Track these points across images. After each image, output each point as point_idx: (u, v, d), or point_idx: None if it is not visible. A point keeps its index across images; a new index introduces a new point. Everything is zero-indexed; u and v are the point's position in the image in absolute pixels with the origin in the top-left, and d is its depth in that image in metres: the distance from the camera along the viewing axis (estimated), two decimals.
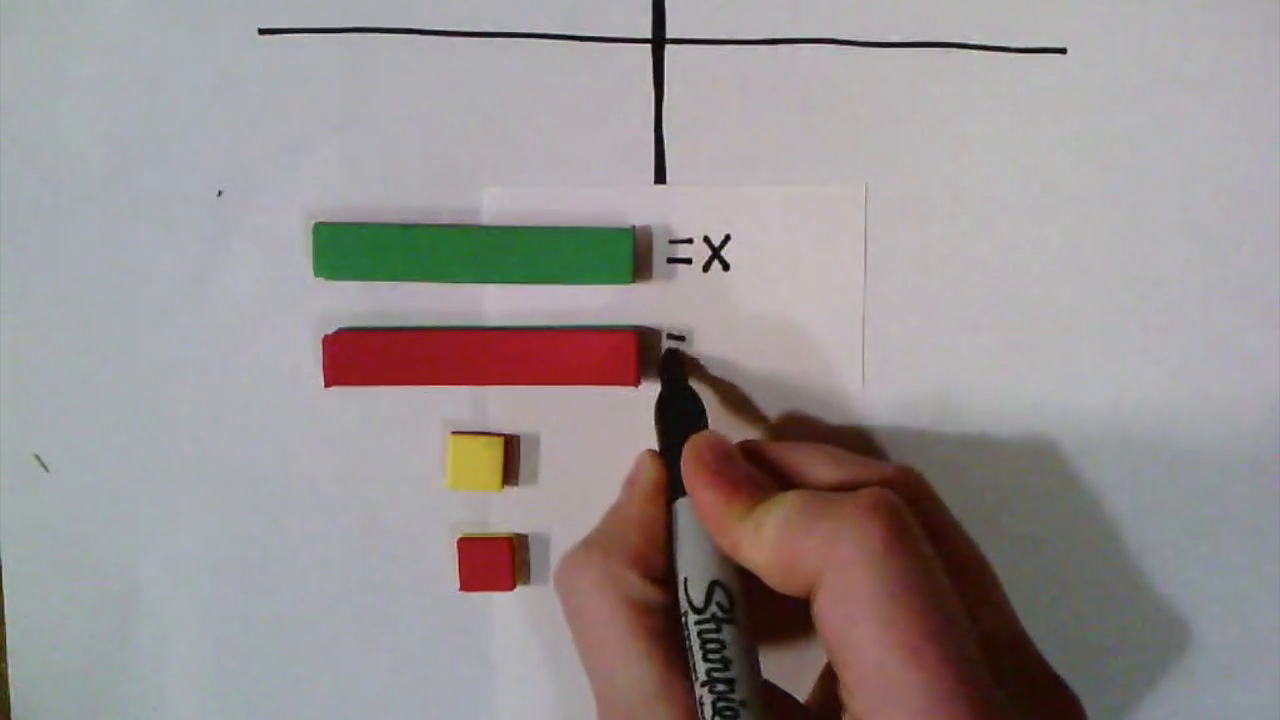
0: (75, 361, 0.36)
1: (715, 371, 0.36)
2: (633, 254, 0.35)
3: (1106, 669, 0.37)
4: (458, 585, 0.37)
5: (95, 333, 0.36)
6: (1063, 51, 0.35)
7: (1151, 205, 0.36)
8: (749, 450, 0.32)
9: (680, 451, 0.31)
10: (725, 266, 0.36)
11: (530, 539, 0.37)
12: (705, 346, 0.36)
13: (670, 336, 0.36)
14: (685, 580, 0.29)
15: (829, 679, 0.32)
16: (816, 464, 0.31)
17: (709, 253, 0.36)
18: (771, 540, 0.28)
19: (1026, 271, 0.36)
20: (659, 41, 0.35)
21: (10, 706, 0.38)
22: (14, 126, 0.36)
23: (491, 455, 0.36)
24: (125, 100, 0.35)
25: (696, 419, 0.33)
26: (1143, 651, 0.37)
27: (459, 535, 0.37)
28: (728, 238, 0.36)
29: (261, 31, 0.35)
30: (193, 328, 0.36)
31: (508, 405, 0.36)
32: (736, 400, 0.36)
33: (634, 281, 0.36)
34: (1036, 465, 0.37)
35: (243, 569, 0.37)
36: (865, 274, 0.36)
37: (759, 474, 0.30)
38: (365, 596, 0.37)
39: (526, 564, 0.37)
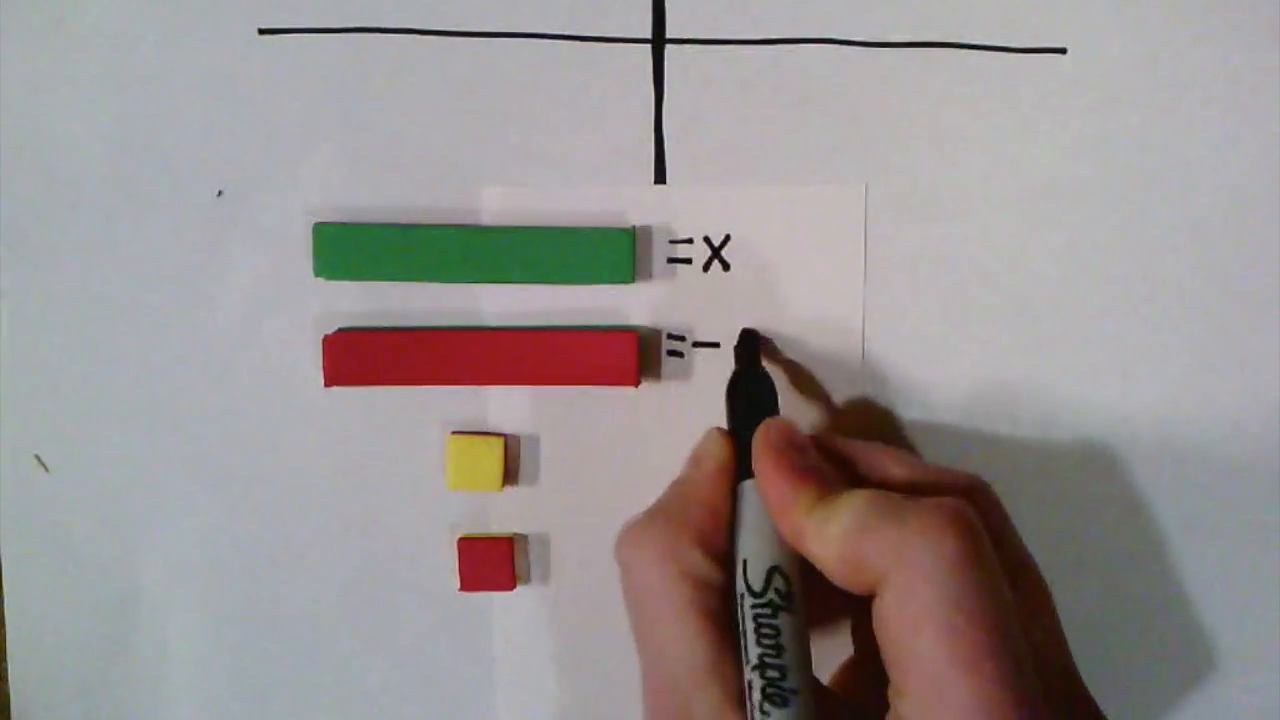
0: (75, 361, 0.36)
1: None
2: (633, 254, 0.35)
3: (1110, 672, 0.37)
4: (458, 585, 0.37)
5: (95, 332, 0.36)
6: (1063, 51, 0.35)
7: (1151, 205, 0.36)
8: (820, 443, 0.32)
9: (749, 433, 0.31)
10: (725, 266, 0.36)
11: (530, 539, 0.37)
12: (703, 346, 0.36)
13: (670, 336, 0.36)
14: (745, 562, 0.29)
15: (856, 671, 0.32)
16: (888, 464, 0.31)
17: (709, 253, 0.36)
18: (838, 536, 0.28)
19: (1026, 271, 0.36)
20: (659, 41, 0.35)
21: (10, 706, 0.38)
22: (14, 126, 0.36)
23: (491, 455, 0.36)
24: (125, 100, 0.35)
25: (768, 402, 0.33)
26: (1146, 651, 0.37)
27: (459, 535, 0.37)
28: (728, 238, 0.36)
29: (261, 31, 0.35)
30: (193, 328, 0.36)
31: (507, 405, 0.36)
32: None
33: (634, 281, 0.36)
34: (1036, 464, 0.37)
35: (243, 569, 0.37)
36: (865, 274, 0.36)
37: (829, 467, 0.30)
38: (365, 596, 0.37)
39: (526, 564, 0.37)
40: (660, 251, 0.36)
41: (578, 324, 0.36)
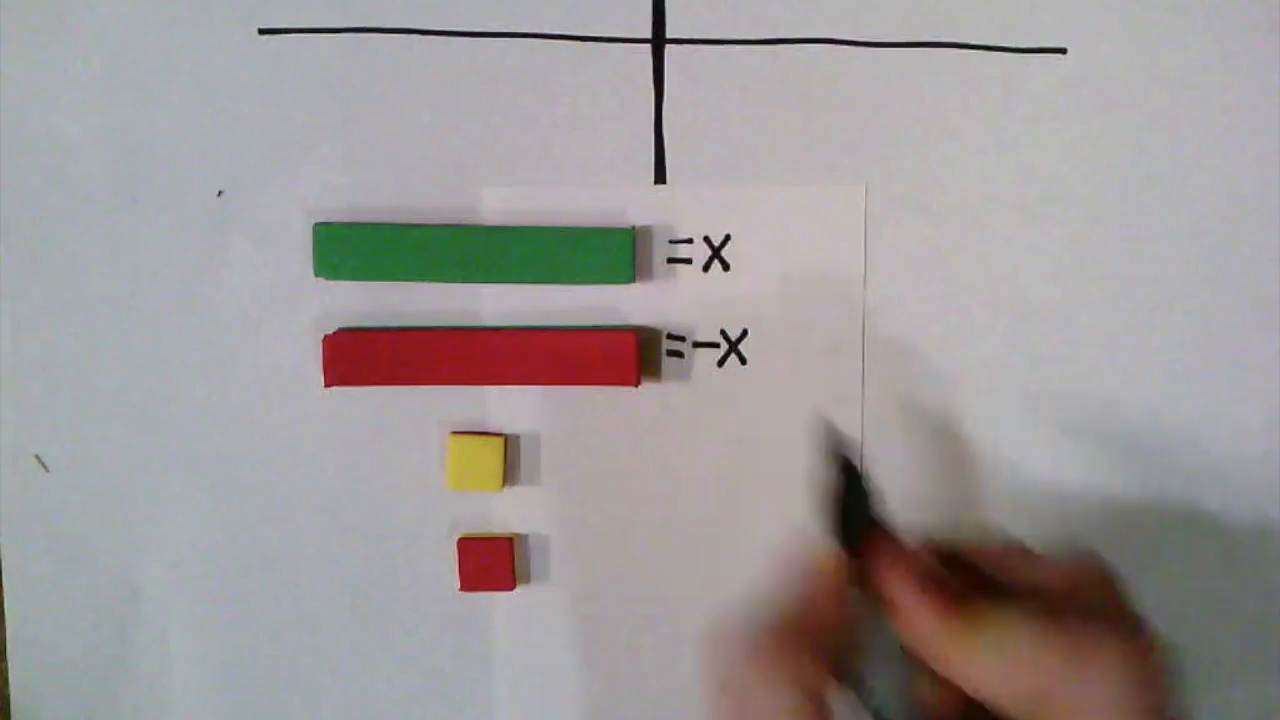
0: (75, 361, 0.36)
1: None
2: (633, 254, 0.35)
3: None
4: (458, 585, 0.37)
5: (95, 332, 0.36)
6: (1063, 51, 0.35)
7: (1151, 205, 0.36)
8: (938, 550, 0.30)
9: (857, 546, 0.29)
10: (725, 266, 0.36)
11: (530, 539, 0.37)
12: (703, 346, 0.36)
13: (670, 336, 0.36)
14: (870, 688, 0.29)
15: None
16: (1007, 565, 0.30)
17: (709, 253, 0.36)
18: (1003, 663, 0.27)
19: (1026, 271, 0.36)
20: (659, 41, 0.35)
21: (10, 706, 0.38)
22: (14, 126, 0.36)
23: (491, 455, 0.36)
24: (125, 100, 0.35)
25: (874, 512, 0.30)
26: None
27: (459, 535, 0.37)
28: (728, 238, 0.36)
29: (261, 31, 0.35)
30: (193, 328, 0.36)
31: (508, 405, 0.36)
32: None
33: (634, 281, 0.36)
34: (1035, 463, 0.37)
35: (243, 569, 0.37)
36: (865, 274, 0.36)
37: (962, 584, 0.29)
38: (365, 596, 0.37)
39: (527, 564, 0.37)
40: (660, 251, 0.36)
41: (578, 324, 0.36)
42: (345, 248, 0.35)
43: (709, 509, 0.37)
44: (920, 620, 0.28)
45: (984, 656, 0.27)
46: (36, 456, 0.37)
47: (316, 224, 0.35)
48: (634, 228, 0.36)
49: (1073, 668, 0.27)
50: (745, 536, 0.36)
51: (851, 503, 0.30)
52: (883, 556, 0.29)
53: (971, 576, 0.30)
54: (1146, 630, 0.29)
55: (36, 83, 0.35)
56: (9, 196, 0.36)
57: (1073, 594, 0.29)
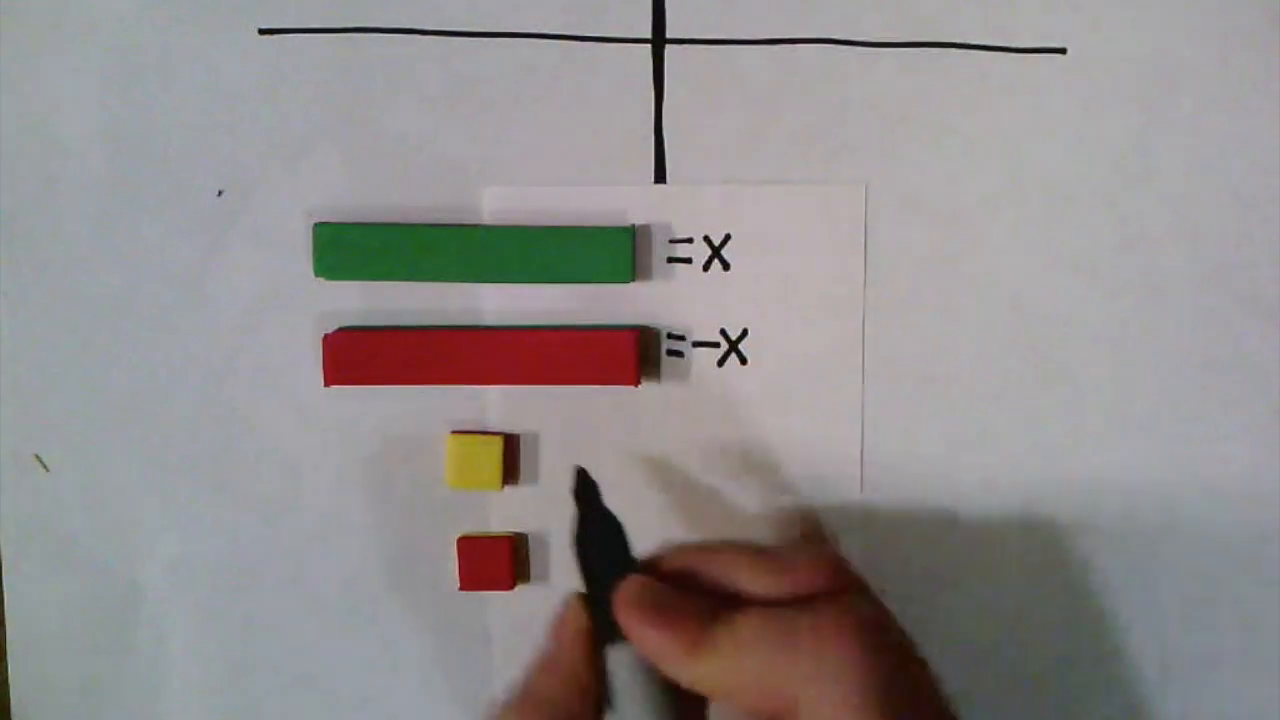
0: (75, 361, 0.36)
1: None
2: (632, 253, 0.35)
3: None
4: (458, 585, 0.37)
5: (95, 333, 0.36)
6: (1063, 51, 0.35)
7: (1151, 205, 0.36)
8: (676, 567, 0.31)
9: (606, 587, 0.30)
10: (725, 266, 0.36)
11: (530, 538, 0.37)
12: (703, 346, 0.36)
13: (670, 336, 0.36)
14: None
15: None
16: (743, 573, 0.30)
17: (709, 252, 0.36)
18: (733, 670, 0.28)
19: (1026, 271, 0.36)
20: (659, 41, 0.35)
21: (10, 706, 0.38)
22: (14, 126, 0.36)
23: (491, 455, 0.36)
24: (125, 100, 0.35)
25: (620, 549, 0.31)
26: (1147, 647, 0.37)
27: (459, 535, 0.37)
28: (728, 237, 0.36)
29: (261, 31, 0.35)
30: (193, 328, 0.36)
31: (508, 405, 0.36)
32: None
33: (634, 281, 0.36)
34: (1033, 461, 0.36)
35: (243, 569, 0.37)
36: (865, 274, 0.36)
37: (695, 600, 0.29)
38: (365, 596, 0.37)
39: (526, 563, 0.37)
40: (660, 251, 0.36)
41: (578, 323, 0.36)
42: (345, 248, 0.35)
43: (708, 508, 0.37)
44: (659, 652, 0.29)
45: (721, 676, 0.28)
46: (36, 456, 0.37)
47: (316, 224, 0.35)
48: (633, 227, 0.36)
49: (801, 671, 0.27)
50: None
51: (599, 543, 0.31)
52: (619, 594, 0.30)
53: (712, 588, 0.30)
54: (885, 623, 0.29)
55: (36, 83, 0.35)
56: (9, 196, 0.36)
57: (809, 593, 0.29)
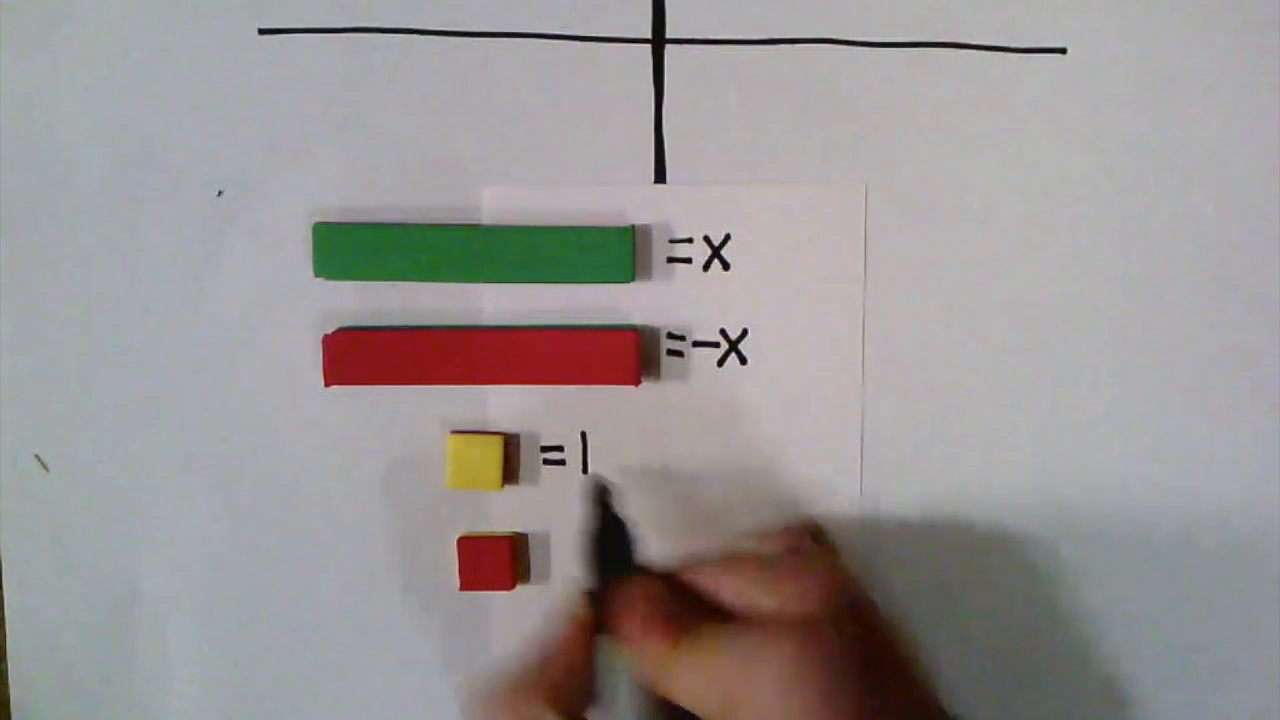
0: (75, 361, 0.36)
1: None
2: (633, 253, 0.35)
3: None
4: (458, 585, 0.37)
5: (95, 332, 0.36)
6: (1063, 51, 0.35)
7: (1151, 205, 0.36)
8: (686, 577, 0.31)
9: (610, 591, 0.31)
10: (725, 266, 0.36)
11: (530, 538, 0.37)
12: (703, 345, 0.36)
13: (670, 336, 0.36)
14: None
15: None
16: (728, 583, 0.31)
17: (709, 252, 0.36)
18: (690, 672, 0.29)
19: (1026, 271, 0.36)
20: (659, 41, 0.35)
21: (10, 706, 0.38)
22: (14, 126, 0.36)
23: (491, 455, 0.36)
24: (125, 100, 0.35)
25: (628, 552, 0.33)
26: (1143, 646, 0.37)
27: (459, 535, 0.37)
28: (728, 237, 0.36)
29: (261, 31, 0.35)
30: (193, 328, 0.36)
31: (508, 405, 0.36)
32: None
33: (634, 281, 0.36)
34: (1034, 462, 0.36)
35: (243, 569, 0.37)
36: (865, 274, 0.36)
37: (683, 607, 0.31)
38: (365, 596, 0.37)
39: (526, 563, 0.37)
40: (660, 251, 0.36)
41: (578, 323, 0.36)
42: (345, 248, 0.35)
43: (708, 508, 0.37)
44: (640, 650, 0.30)
45: (685, 684, 0.29)
46: (36, 456, 0.37)
47: (316, 224, 0.35)
48: (633, 227, 0.36)
49: (747, 672, 0.28)
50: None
51: (609, 545, 0.32)
52: (620, 593, 0.31)
53: (715, 600, 0.31)
54: (871, 622, 0.30)
55: (36, 83, 0.35)
56: (9, 196, 0.36)
57: (803, 608, 0.30)
